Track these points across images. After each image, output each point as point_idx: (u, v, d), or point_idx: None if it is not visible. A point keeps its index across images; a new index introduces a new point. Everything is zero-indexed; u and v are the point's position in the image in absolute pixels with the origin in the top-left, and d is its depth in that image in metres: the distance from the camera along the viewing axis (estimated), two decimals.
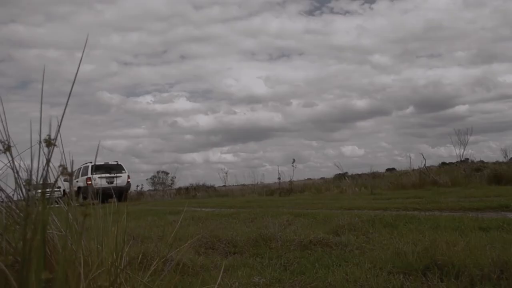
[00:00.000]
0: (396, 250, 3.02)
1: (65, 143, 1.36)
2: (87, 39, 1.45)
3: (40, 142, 1.26)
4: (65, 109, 1.31)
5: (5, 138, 1.32)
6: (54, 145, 1.24)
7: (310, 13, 48.19)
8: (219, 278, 2.35)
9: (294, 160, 15.85)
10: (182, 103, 48.71)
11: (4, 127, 1.32)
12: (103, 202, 2.23)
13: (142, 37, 45.95)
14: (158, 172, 34.63)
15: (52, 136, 1.24)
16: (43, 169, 1.26)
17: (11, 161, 1.31)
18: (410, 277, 2.52)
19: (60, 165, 1.28)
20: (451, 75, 47.52)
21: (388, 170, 24.11)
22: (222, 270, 2.55)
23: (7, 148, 1.29)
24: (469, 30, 44.31)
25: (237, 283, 2.63)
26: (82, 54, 1.36)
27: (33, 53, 43.43)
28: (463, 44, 46.76)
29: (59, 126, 1.26)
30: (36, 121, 1.36)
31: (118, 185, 16.80)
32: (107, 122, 46.87)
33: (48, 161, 1.24)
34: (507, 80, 42.60)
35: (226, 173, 20.67)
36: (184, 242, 3.05)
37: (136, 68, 48.68)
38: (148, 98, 48.94)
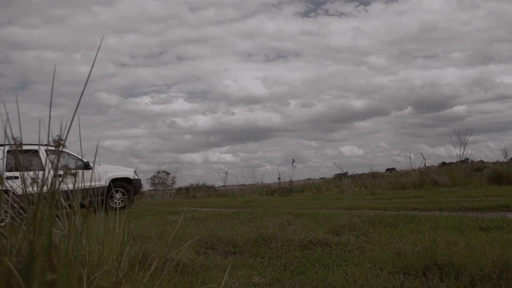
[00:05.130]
0: (396, 250, 3.02)
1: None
2: (101, 41, 1.44)
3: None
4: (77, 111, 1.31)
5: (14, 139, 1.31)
6: (64, 145, 1.23)
7: (306, 14, 48.15)
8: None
9: (293, 161, 15.84)
10: (180, 104, 48.68)
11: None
12: None
13: (139, 38, 46.02)
14: (158, 172, 34.66)
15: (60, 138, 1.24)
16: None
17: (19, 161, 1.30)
18: (410, 277, 2.52)
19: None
20: (448, 76, 47.59)
21: (388, 170, 24.08)
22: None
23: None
24: (464, 32, 44.34)
25: (237, 283, 2.63)
26: (97, 53, 1.35)
27: (31, 55, 43.46)
28: (459, 45, 46.77)
29: (69, 128, 1.25)
30: (35, 121, 1.37)
31: None
32: (106, 122, 46.87)
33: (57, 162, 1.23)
34: (504, 80, 42.66)
35: (226, 173, 20.66)
36: (184, 242, 3.05)
37: (134, 69, 48.70)
38: (146, 99, 48.87)
